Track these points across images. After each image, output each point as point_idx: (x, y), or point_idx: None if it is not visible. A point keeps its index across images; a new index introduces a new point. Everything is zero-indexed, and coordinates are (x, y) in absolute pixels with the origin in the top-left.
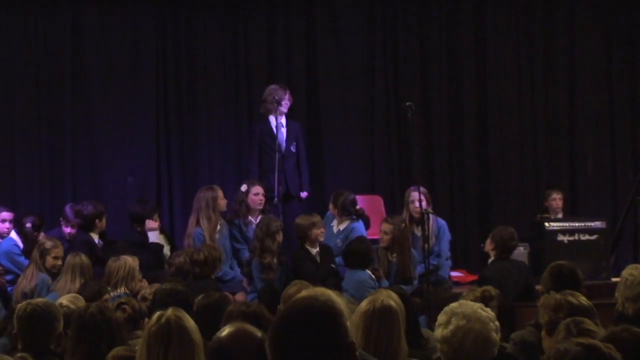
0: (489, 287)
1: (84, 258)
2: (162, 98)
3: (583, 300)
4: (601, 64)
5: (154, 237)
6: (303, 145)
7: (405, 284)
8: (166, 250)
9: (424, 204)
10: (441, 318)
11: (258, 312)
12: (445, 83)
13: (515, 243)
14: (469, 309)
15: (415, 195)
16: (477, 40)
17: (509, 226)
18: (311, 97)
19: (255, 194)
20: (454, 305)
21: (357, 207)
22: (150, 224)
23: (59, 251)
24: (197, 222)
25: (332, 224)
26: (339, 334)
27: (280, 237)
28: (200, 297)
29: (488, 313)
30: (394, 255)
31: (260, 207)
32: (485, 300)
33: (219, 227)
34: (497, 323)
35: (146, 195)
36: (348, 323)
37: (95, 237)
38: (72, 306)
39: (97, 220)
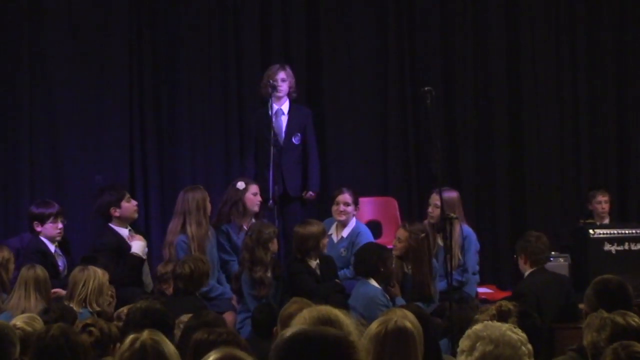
0: (504, 302)
1: (39, 271)
2: (137, 82)
3: (633, 320)
4: None
5: (138, 248)
6: (313, 136)
7: (423, 302)
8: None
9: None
10: (464, 343)
11: (231, 341)
12: (471, 65)
13: (544, 242)
14: (496, 332)
15: (434, 198)
16: (509, 14)
17: (530, 230)
18: (313, 81)
19: (254, 193)
20: (477, 327)
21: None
22: (136, 237)
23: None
24: (181, 229)
25: (330, 232)
26: None
27: (274, 247)
28: (189, 317)
29: (519, 335)
30: (410, 266)
31: (257, 210)
32: (501, 317)
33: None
34: (529, 346)
35: None
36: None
37: (51, 245)
38: (29, 328)
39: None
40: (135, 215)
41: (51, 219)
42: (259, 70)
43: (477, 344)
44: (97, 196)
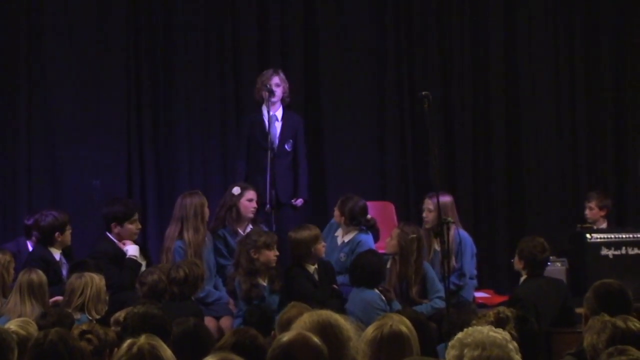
0: (501, 308)
1: (34, 276)
2: (134, 87)
3: (634, 325)
4: None
5: (135, 251)
6: (303, 143)
7: (405, 304)
8: (143, 268)
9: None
10: (451, 354)
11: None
12: (468, 70)
13: (547, 255)
14: (479, 335)
15: (427, 202)
16: (508, 18)
17: (536, 236)
18: (310, 85)
19: (249, 199)
20: (460, 336)
21: (368, 216)
22: (128, 241)
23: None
24: (179, 234)
25: (336, 234)
26: None
27: (265, 256)
28: (173, 323)
29: (501, 334)
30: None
31: (252, 216)
32: (500, 323)
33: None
34: (515, 343)
35: None
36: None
37: (56, 253)
38: (22, 332)
39: (57, 233)
40: (134, 238)
41: (68, 226)
42: (257, 74)
43: (465, 351)
44: (108, 201)
